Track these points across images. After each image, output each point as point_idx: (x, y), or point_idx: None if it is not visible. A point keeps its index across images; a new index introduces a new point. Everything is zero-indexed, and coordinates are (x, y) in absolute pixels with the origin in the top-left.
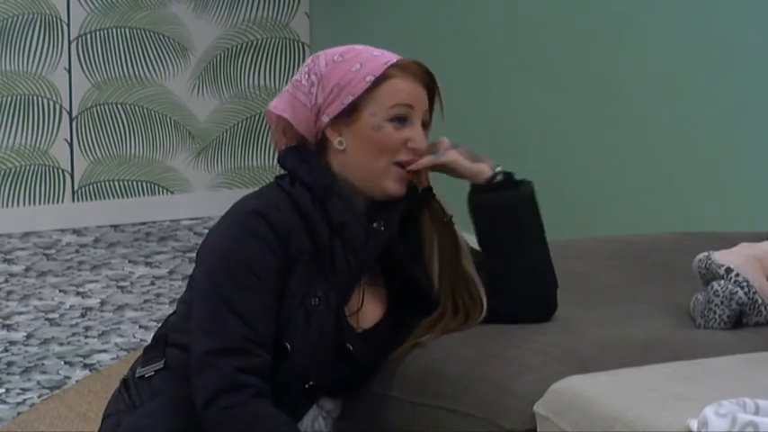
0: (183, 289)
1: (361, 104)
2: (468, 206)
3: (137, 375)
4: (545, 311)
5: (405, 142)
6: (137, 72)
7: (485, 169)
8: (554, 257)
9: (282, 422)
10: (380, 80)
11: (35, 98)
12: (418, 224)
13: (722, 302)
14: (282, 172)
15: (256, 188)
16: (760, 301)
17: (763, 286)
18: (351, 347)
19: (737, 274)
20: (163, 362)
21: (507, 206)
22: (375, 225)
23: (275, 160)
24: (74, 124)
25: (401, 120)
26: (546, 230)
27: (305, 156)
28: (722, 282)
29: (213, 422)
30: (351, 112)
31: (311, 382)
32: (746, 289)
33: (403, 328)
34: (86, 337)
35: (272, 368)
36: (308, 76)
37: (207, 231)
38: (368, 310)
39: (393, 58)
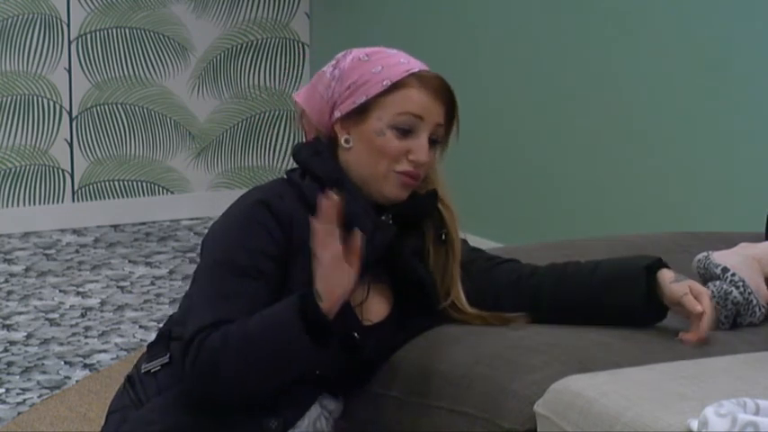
0: (183, 289)
1: (371, 106)
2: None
3: (142, 371)
4: None
5: (405, 152)
6: (137, 72)
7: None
8: (554, 257)
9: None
10: (396, 86)
11: (35, 98)
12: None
13: (718, 303)
14: (294, 165)
15: None
16: (755, 301)
17: (760, 287)
18: (357, 336)
19: (734, 274)
20: (168, 356)
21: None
22: (384, 217)
23: (275, 160)
24: (74, 124)
25: (405, 131)
26: (546, 230)
27: (319, 149)
28: (717, 282)
29: (206, 350)
30: (361, 112)
31: (318, 372)
32: (741, 289)
33: (405, 329)
34: (86, 337)
35: None
36: (333, 69)
37: (207, 231)
38: (374, 306)
39: (417, 67)
